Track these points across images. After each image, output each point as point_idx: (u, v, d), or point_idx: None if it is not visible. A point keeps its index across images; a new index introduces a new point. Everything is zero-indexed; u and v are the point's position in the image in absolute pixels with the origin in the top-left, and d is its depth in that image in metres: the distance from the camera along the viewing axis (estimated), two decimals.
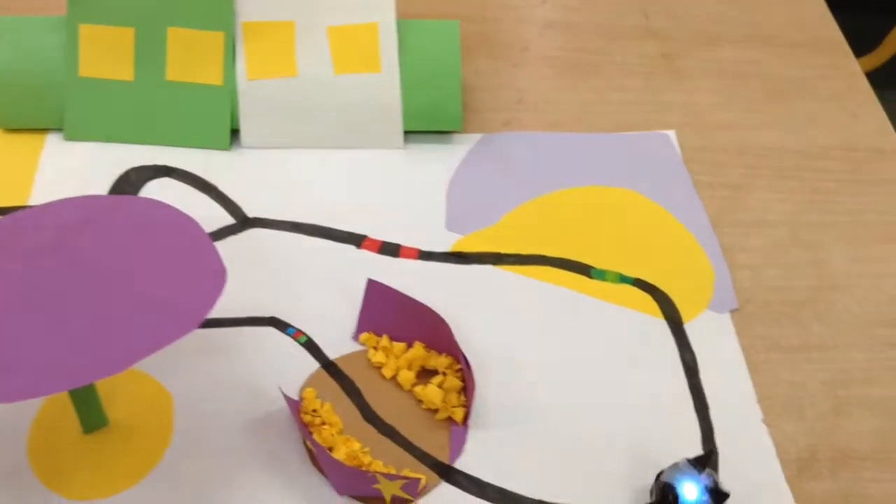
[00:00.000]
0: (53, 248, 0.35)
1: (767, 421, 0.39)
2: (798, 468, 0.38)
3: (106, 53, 0.47)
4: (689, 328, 0.42)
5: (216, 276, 0.33)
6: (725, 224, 0.47)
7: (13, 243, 0.36)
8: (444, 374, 0.40)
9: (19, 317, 0.33)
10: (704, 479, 0.34)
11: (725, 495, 0.34)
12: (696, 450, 0.38)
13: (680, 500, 0.34)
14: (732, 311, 0.43)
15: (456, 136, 0.50)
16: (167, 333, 0.32)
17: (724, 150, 0.51)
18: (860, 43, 0.64)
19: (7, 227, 0.37)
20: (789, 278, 0.44)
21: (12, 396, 0.31)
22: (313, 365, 0.40)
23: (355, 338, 0.41)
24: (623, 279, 0.44)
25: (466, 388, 0.39)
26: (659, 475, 0.35)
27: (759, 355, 0.41)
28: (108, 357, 0.31)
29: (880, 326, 0.43)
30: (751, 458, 0.38)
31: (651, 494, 0.36)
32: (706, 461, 0.35)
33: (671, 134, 0.51)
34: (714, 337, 0.42)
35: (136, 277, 0.34)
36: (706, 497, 0.34)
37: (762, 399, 0.40)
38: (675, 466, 0.35)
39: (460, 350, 0.39)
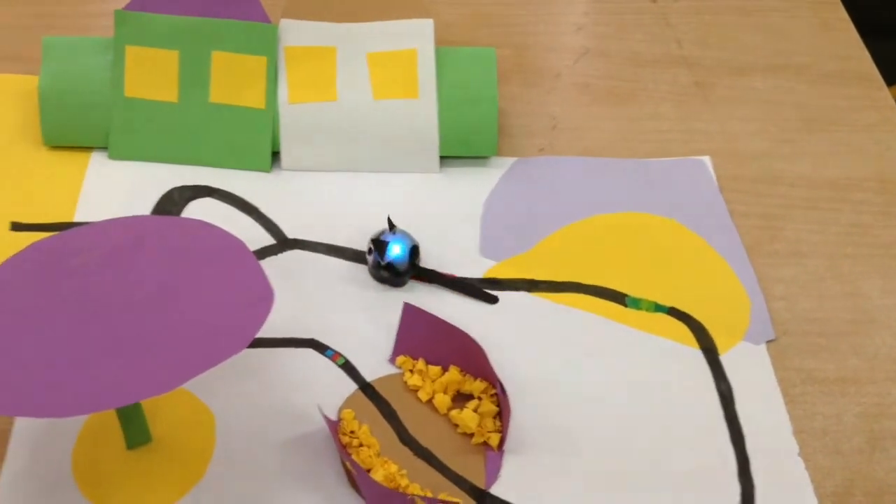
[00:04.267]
0: (104, 268, 0.36)
1: (803, 454, 0.39)
2: (834, 503, 0.38)
3: (151, 75, 0.49)
4: (725, 359, 0.42)
5: (264, 298, 0.34)
6: (760, 254, 0.47)
7: (64, 262, 0.36)
8: (480, 398, 0.40)
9: (70, 335, 0.33)
10: (409, 241, 0.43)
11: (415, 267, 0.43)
12: (733, 483, 0.38)
13: (387, 253, 0.43)
14: (768, 342, 0.43)
15: (490, 160, 0.51)
16: (215, 354, 0.32)
17: (757, 179, 0.51)
18: (894, 70, 0.64)
19: (58, 246, 0.38)
20: (825, 310, 0.45)
21: (63, 412, 0.31)
22: (351, 387, 0.41)
23: (391, 360, 0.42)
24: (658, 308, 0.44)
25: (501, 414, 0.40)
26: (378, 234, 0.44)
27: (795, 388, 0.42)
28: (157, 377, 0.32)
29: None
30: (787, 492, 0.38)
31: (368, 250, 0.44)
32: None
33: (706, 160, 0.51)
34: (750, 368, 0.42)
35: (185, 298, 0.34)
36: (406, 255, 0.43)
37: (798, 432, 0.40)
38: (390, 231, 0.43)
39: (496, 375, 0.40)
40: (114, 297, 0.35)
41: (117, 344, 0.33)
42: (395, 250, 0.43)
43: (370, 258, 0.43)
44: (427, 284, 0.44)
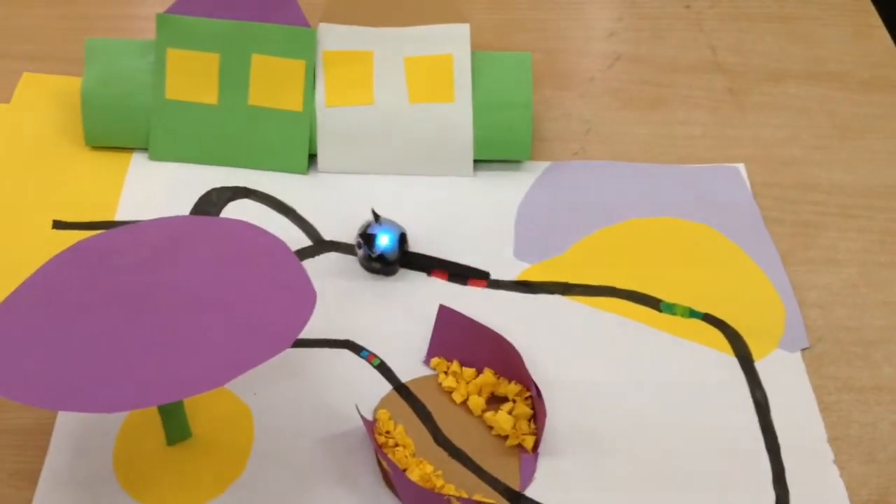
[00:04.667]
0: (148, 267, 0.36)
1: (838, 462, 0.39)
2: None
3: (192, 77, 0.49)
4: (760, 366, 0.42)
5: (306, 299, 0.34)
6: (794, 261, 0.47)
7: (109, 261, 0.37)
8: (514, 401, 0.41)
9: (115, 332, 0.34)
10: (397, 230, 0.44)
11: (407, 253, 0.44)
12: (769, 490, 0.38)
13: (376, 245, 0.43)
14: (803, 350, 0.43)
15: (524, 164, 0.51)
16: (258, 353, 0.33)
17: (792, 186, 0.51)
18: None
19: (102, 246, 0.39)
20: (860, 318, 0.44)
21: (108, 407, 0.32)
22: (386, 387, 0.41)
23: (426, 362, 0.42)
24: (693, 314, 0.44)
25: (536, 416, 0.40)
26: (365, 227, 0.44)
27: (830, 395, 0.41)
28: (201, 375, 0.33)
29: None
30: (822, 500, 0.38)
31: (358, 244, 0.44)
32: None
33: (741, 167, 0.51)
34: (785, 375, 0.42)
35: (229, 297, 0.35)
36: (395, 244, 0.43)
37: (833, 440, 0.40)
38: (377, 223, 0.44)
39: (531, 378, 0.40)
40: (158, 295, 0.35)
41: (161, 342, 0.34)
42: (384, 241, 0.44)
43: (360, 252, 0.44)
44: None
